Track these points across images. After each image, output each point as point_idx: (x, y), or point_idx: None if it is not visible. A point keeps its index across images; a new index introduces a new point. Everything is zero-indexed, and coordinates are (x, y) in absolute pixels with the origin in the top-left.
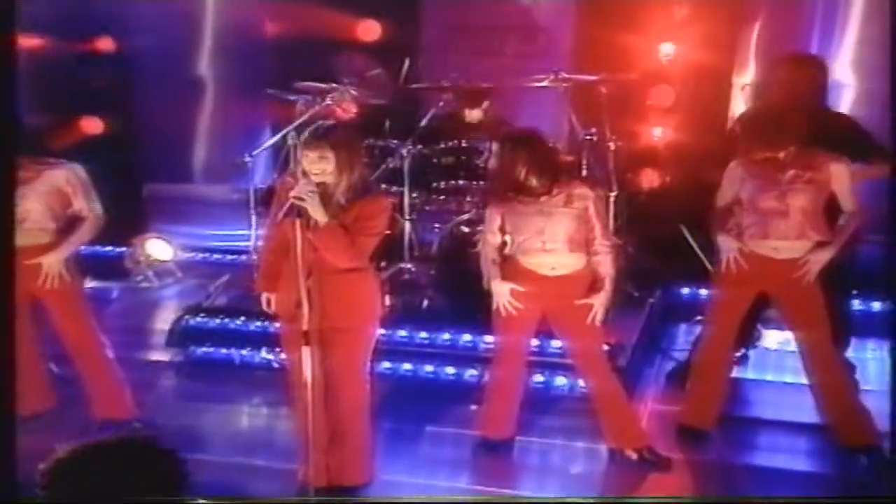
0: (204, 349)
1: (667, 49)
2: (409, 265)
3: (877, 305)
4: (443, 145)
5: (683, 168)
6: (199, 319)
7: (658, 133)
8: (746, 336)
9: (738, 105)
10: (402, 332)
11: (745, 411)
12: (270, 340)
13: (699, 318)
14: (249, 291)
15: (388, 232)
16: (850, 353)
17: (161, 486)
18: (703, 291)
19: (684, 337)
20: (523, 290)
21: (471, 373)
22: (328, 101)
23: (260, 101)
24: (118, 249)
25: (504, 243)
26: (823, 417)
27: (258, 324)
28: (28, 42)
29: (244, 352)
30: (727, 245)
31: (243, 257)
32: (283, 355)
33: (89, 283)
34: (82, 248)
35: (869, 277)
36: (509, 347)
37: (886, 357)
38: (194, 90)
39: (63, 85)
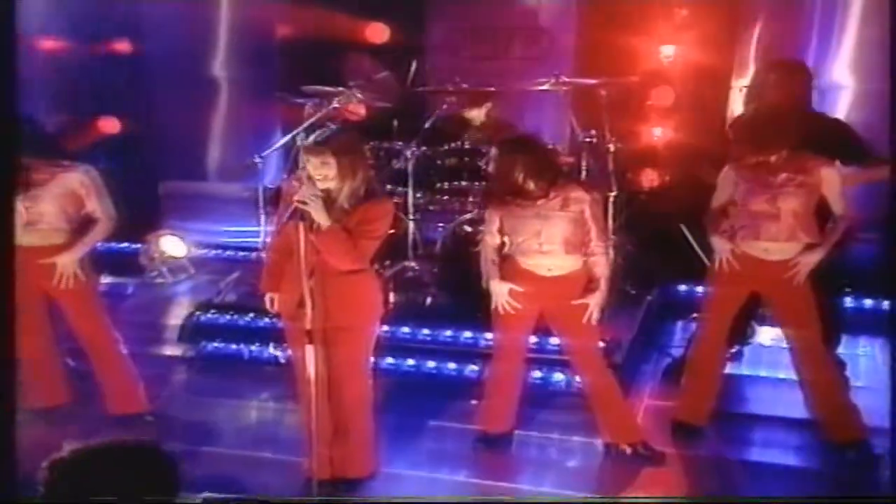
0: (214, 345)
1: (667, 51)
2: (412, 263)
3: (868, 303)
4: (446, 147)
5: (682, 168)
6: (209, 316)
7: (657, 134)
8: (739, 333)
9: (737, 106)
10: (406, 329)
11: (739, 407)
12: (278, 336)
13: (695, 315)
14: (256, 290)
15: (392, 231)
16: (841, 351)
17: (157, 488)
18: (700, 289)
19: (681, 334)
20: (521, 289)
21: (471, 368)
22: (335, 104)
23: (271, 103)
24: (134, 246)
25: (503, 244)
26: (812, 413)
27: (267, 320)
28: (48, 44)
29: (253, 347)
30: (720, 246)
31: (254, 254)
32: (289, 352)
33: (106, 279)
34: (98, 245)
35: (860, 276)
36: (508, 345)
37: (878, 354)
38: (208, 92)
39: (82, 86)
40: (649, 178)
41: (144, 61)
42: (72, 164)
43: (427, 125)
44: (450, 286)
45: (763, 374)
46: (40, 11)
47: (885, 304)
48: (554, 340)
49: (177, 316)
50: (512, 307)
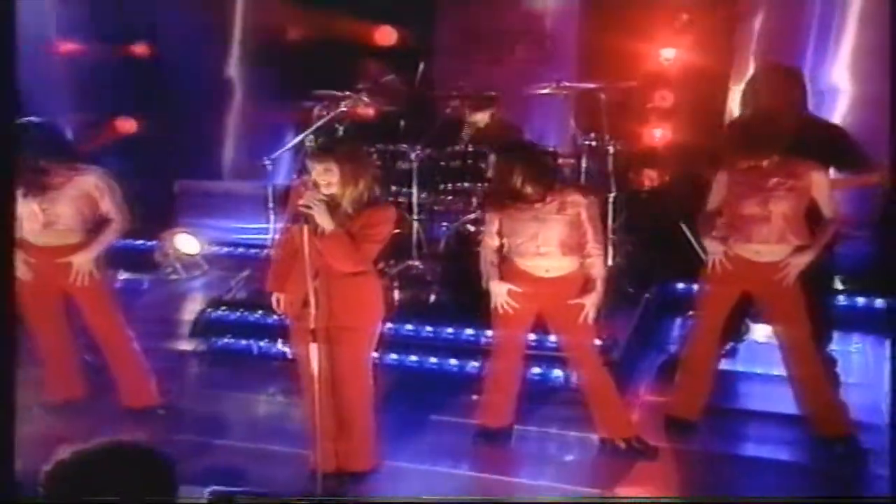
0: (225, 340)
1: (667, 53)
2: (416, 262)
3: (861, 301)
4: (450, 149)
5: (681, 169)
6: (220, 312)
7: (657, 135)
8: (733, 331)
9: (735, 108)
10: (409, 326)
11: (732, 403)
12: (286, 333)
13: (692, 313)
14: (265, 288)
15: (397, 231)
16: (833, 348)
17: (155, 489)
18: (696, 287)
19: (678, 331)
20: (520, 290)
21: (473, 365)
22: (342, 108)
23: (282, 104)
24: (149, 243)
25: (502, 246)
26: (801, 409)
27: (275, 317)
28: (67, 47)
29: (262, 343)
30: (713, 248)
31: (265, 252)
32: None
33: (122, 275)
34: (115, 242)
35: (853, 274)
36: (507, 343)
37: (869, 351)
38: (221, 93)
39: (99, 88)
40: (648, 179)
41: (160, 64)
42: (87, 167)
43: (432, 128)
44: (453, 284)
45: (758, 370)
46: (66, 15)
47: (878, 301)
48: (552, 338)
49: (190, 311)
50: (510, 307)
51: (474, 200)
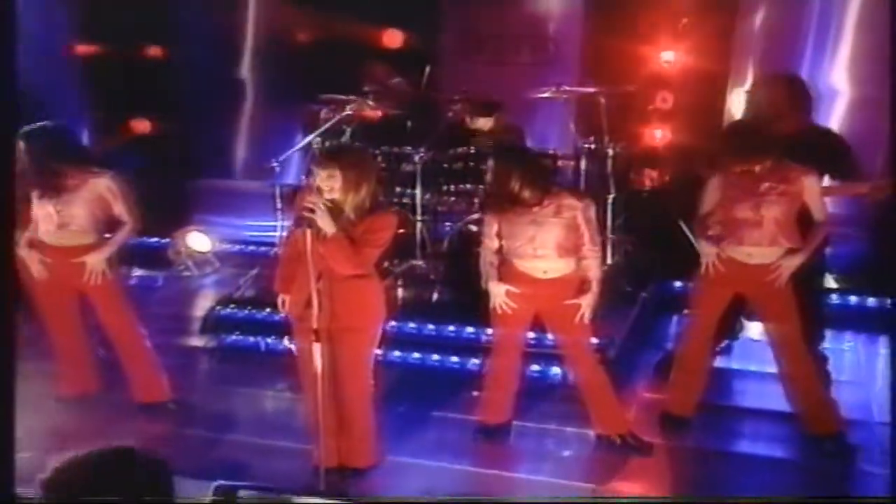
0: (233, 337)
1: (667, 56)
2: (420, 262)
3: (853, 299)
4: (453, 152)
5: (679, 169)
6: (229, 310)
7: (655, 137)
8: (726, 330)
9: (734, 110)
10: (412, 324)
11: (726, 400)
12: (292, 331)
13: (687, 312)
14: (271, 288)
15: (401, 231)
16: (826, 345)
17: (151, 495)
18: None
19: (674, 329)
20: (518, 291)
21: (473, 362)
22: (347, 111)
23: (294, 107)
24: (163, 241)
25: (501, 248)
26: (793, 407)
27: (282, 315)
28: (84, 49)
29: (269, 340)
30: (706, 250)
31: (274, 250)
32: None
33: (137, 272)
34: (130, 240)
35: (846, 273)
36: (505, 341)
37: (861, 349)
38: (234, 95)
39: (116, 90)
40: (648, 179)
41: (174, 66)
42: (100, 170)
43: (436, 131)
44: (456, 283)
45: (752, 368)
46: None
47: (870, 300)
48: (551, 336)
49: (201, 308)
50: (509, 307)
51: (476, 201)
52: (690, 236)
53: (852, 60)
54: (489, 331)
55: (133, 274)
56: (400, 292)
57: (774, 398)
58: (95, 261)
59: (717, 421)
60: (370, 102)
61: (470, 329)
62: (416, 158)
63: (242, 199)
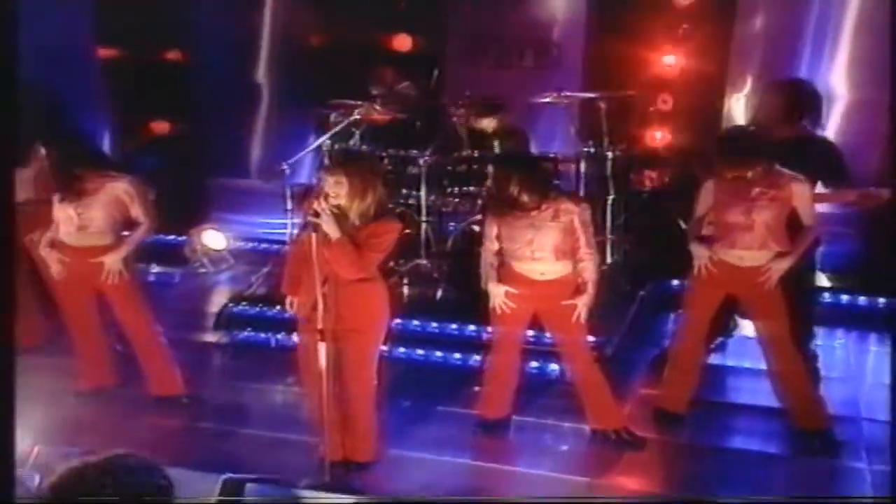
0: (245, 333)
1: (668, 60)
2: (425, 261)
3: (845, 298)
4: (456, 155)
5: (678, 170)
6: (241, 307)
7: (654, 140)
8: (719, 329)
9: (732, 113)
10: (416, 322)
11: (720, 396)
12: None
13: (680, 311)
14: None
15: (407, 231)
16: (817, 342)
17: (151, 499)
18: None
19: (672, 327)
20: (516, 291)
21: (475, 358)
22: (356, 115)
23: (307, 109)
24: (179, 238)
25: (501, 250)
26: (782, 403)
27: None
28: (108, 53)
29: (279, 336)
30: (699, 253)
31: (286, 247)
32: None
33: (155, 268)
34: (147, 239)
35: (839, 272)
36: (505, 339)
37: (852, 346)
38: (249, 98)
39: (135, 93)
40: (648, 180)
41: (193, 71)
42: (118, 174)
43: (441, 134)
44: (459, 282)
45: (746, 365)
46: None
47: (861, 299)
48: (549, 335)
49: (215, 304)
50: (508, 307)
51: (479, 202)
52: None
53: (849, 64)
54: (490, 328)
55: (151, 270)
56: (405, 290)
57: (767, 395)
58: (113, 261)
59: (709, 417)
60: (377, 107)
61: (472, 327)
62: (421, 161)
63: (256, 198)
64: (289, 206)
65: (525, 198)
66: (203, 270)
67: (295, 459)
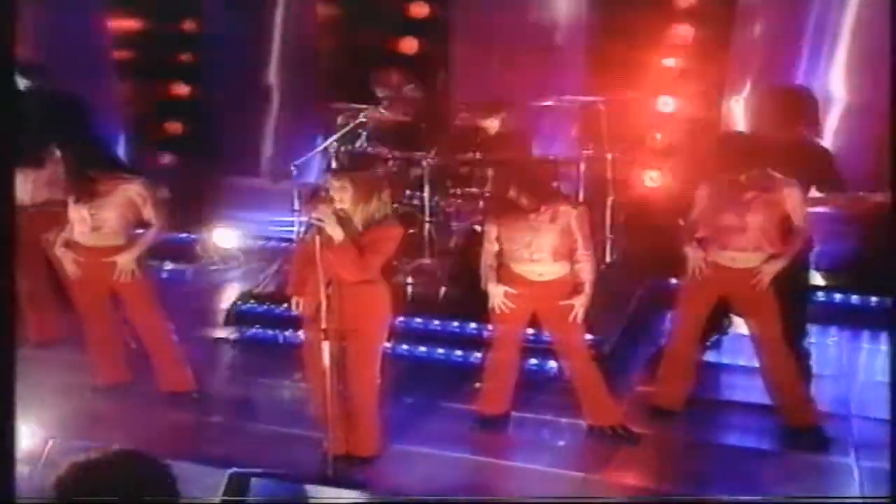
0: (253, 330)
1: (667, 63)
2: (428, 260)
3: (838, 297)
4: (459, 157)
5: (677, 171)
6: (250, 304)
7: (653, 142)
8: (713, 328)
9: (731, 116)
10: (419, 319)
11: (714, 394)
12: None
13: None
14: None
15: (411, 231)
16: (811, 340)
17: (153, 495)
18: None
19: (668, 325)
20: (515, 292)
21: (476, 355)
22: (361, 118)
23: (316, 110)
24: (192, 236)
25: (501, 251)
26: (772, 400)
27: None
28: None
29: (286, 333)
30: (693, 254)
31: (293, 246)
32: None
33: (168, 265)
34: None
35: (833, 271)
36: (504, 338)
37: (845, 344)
38: (261, 99)
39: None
40: (648, 181)
41: (210, 74)
42: (131, 177)
43: (445, 135)
44: (461, 281)
45: (741, 362)
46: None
47: (854, 298)
48: (547, 333)
49: (226, 301)
50: (507, 307)
51: (481, 203)
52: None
53: (847, 68)
54: (491, 326)
55: (164, 267)
56: (409, 289)
57: (761, 392)
58: (126, 261)
59: (704, 413)
60: (382, 110)
61: (473, 324)
62: (425, 163)
63: (268, 197)
64: (296, 206)
65: (524, 201)
66: (214, 267)
67: (302, 453)
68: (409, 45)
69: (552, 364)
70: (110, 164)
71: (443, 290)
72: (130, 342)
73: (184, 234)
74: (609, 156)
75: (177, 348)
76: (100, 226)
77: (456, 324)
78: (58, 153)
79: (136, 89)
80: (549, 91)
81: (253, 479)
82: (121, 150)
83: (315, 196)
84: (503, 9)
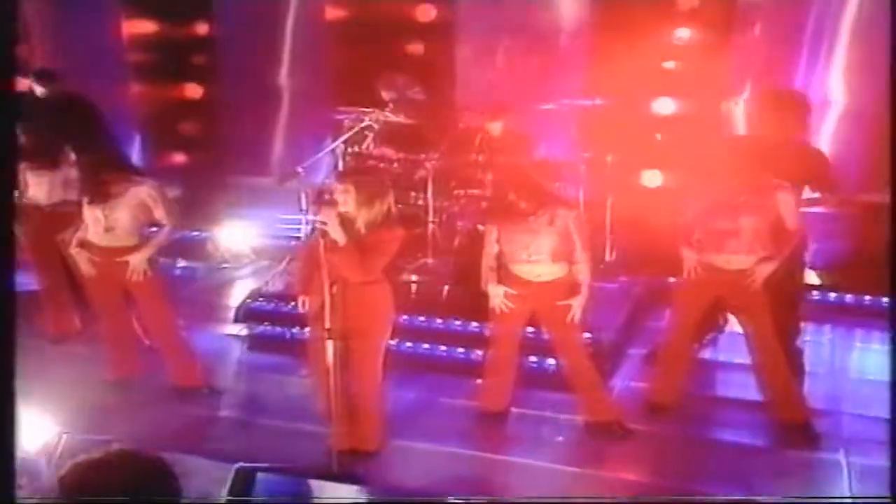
0: (262, 327)
1: (668, 64)
2: (431, 260)
3: (832, 296)
4: (462, 159)
5: (675, 173)
6: (258, 302)
7: (652, 143)
8: (708, 327)
9: (730, 118)
10: (422, 318)
11: (709, 390)
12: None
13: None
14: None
15: (416, 231)
16: (806, 338)
17: (156, 494)
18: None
19: (664, 324)
20: (514, 292)
21: (477, 353)
22: (367, 122)
23: (325, 111)
24: (204, 234)
25: (500, 253)
26: (764, 397)
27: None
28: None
29: (294, 330)
30: (688, 256)
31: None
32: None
33: (180, 263)
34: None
35: (828, 270)
36: (504, 336)
37: (837, 341)
38: (271, 100)
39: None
40: (647, 181)
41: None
42: (143, 179)
43: (448, 138)
44: (463, 281)
45: (737, 360)
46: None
47: (847, 297)
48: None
49: (236, 298)
50: (506, 307)
51: (483, 204)
52: None
53: (846, 72)
54: (491, 325)
55: (176, 265)
56: (412, 287)
57: (753, 389)
58: (138, 260)
59: (698, 409)
60: (388, 113)
61: (475, 323)
62: (429, 165)
63: (278, 195)
64: (303, 207)
65: (522, 204)
66: (225, 265)
67: (308, 447)
68: (415, 48)
69: (551, 362)
70: (122, 166)
71: (445, 288)
72: (144, 339)
73: (196, 232)
74: (609, 158)
75: (187, 345)
76: (113, 226)
77: (458, 322)
78: (72, 156)
79: (150, 91)
80: (552, 94)
81: (259, 474)
82: (135, 151)
83: (319, 198)
84: (507, 13)
